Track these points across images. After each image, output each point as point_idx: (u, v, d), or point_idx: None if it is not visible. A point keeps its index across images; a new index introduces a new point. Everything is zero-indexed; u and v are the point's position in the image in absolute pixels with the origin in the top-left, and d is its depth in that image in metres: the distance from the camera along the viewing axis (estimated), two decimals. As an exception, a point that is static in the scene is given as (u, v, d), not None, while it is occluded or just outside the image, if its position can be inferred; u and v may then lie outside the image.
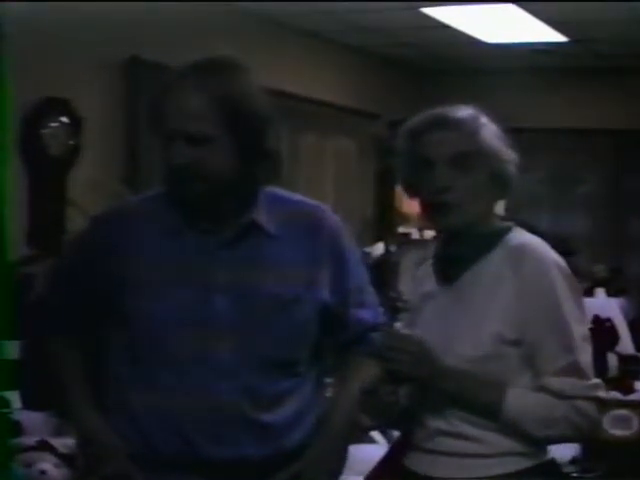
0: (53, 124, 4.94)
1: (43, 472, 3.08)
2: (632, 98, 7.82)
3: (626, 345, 5.11)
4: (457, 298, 2.26)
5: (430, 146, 2.26)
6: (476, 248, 2.27)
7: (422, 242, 7.73)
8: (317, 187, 6.90)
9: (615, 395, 4.24)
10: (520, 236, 2.29)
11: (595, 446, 3.92)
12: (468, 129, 2.24)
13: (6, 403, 3.05)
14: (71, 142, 5.02)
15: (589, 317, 4.20)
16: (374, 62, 7.77)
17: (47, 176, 4.92)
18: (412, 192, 2.34)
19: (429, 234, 7.66)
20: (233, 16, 6.04)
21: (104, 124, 5.25)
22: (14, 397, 3.42)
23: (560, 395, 2.15)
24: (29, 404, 3.52)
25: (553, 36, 6.83)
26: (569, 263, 2.28)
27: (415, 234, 7.73)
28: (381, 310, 2.44)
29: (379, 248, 6.59)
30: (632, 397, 4.38)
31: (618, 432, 4.07)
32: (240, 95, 2.20)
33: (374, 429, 3.58)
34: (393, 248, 6.87)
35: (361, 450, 2.92)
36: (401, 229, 7.68)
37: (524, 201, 6.98)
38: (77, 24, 4.91)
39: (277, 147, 2.29)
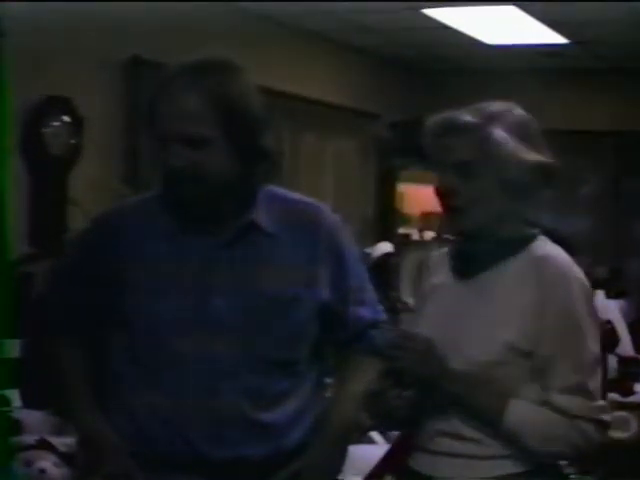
0: (54, 123, 4.95)
1: (43, 471, 3.08)
2: (632, 99, 7.82)
3: (626, 347, 5.12)
4: (472, 295, 2.23)
5: (438, 151, 2.24)
6: (495, 251, 2.23)
7: (422, 243, 7.74)
8: (317, 187, 6.90)
9: (614, 397, 4.25)
10: (546, 246, 2.24)
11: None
12: (476, 135, 2.19)
13: (6, 401, 3.06)
14: (72, 141, 5.03)
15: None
16: (374, 62, 7.78)
17: (48, 175, 4.93)
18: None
19: (429, 235, 7.68)
20: (233, 16, 6.04)
21: (105, 123, 5.26)
22: (14, 396, 3.42)
23: (564, 414, 2.13)
24: (29, 403, 3.52)
25: (553, 37, 6.84)
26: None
27: (415, 235, 7.74)
28: (381, 308, 2.44)
29: (380, 248, 6.58)
30: (631, 399, 4.39)
31: (617, 434, 4.07)
32: (237, 95, 2.18)
33: (373, 429, 3.58)
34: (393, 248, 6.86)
35: (360, 450, 2.92)
36: (401, 230, 7.69)
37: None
38: (78, 24, 4.91)
39: (275, 147, 2.28)
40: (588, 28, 6.57)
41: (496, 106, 2.25)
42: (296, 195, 2.36)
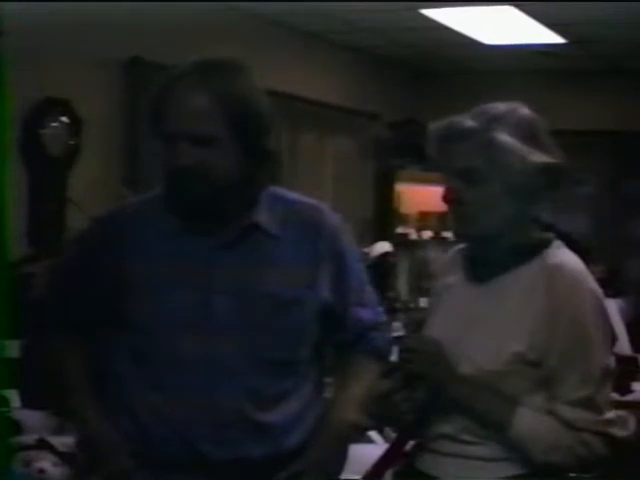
0: (53, 124, 4.95)
1: (42, 471, 3.08)
2: (630, 99, 7.83)
3: (623, 346, 5.13)
4: (484, 300, 2.21)
5: (443, 157, 2.21)
6: (508, 257, 2.20)
7: (420, 242, 7.75)
8: (316, 187, 6.90)
9: (612, 396, 4.25)
10: (560, 253, 2.21)
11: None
12: (479, 140, 2.15)
13: (5, 402, 3.05)
14: (71, 142, 5.04)
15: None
16: (374, 63, 7.79)
17: (47, 176, 4.94)
18: None
19: (427, 234, 7.69)
20: (233, 17, 6.05)
21: (104, 124, 5.26)
22: (14, 396, 3.42)
23: (570, 426, 2.11)
24: (28, 403, 3.52)
25: (551, 38, 6.84)
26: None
27: (413, 234, 7.75)
28: (381, 309, 2.44)
29: (379, 248, 6.59)
30: (629, 397, 4.40)
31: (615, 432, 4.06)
32: (244, 95, 2.18)
33: (372, 429, 3.58)
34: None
35: (359, 450, 2.92)
36: (399, 229, 7.69)
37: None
38: (78, 24, 4.91)
39: (277, 148, 2.28)
40: (586, 28, 6.58)
41: (500, 108, 2.20)
42: (298, 196, 2.36)
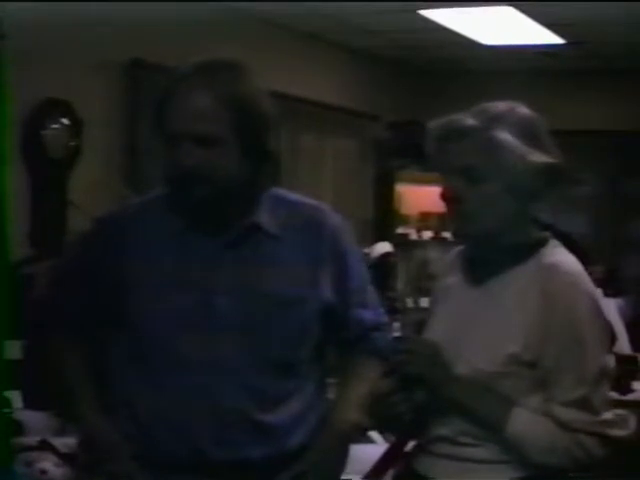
0: (54, 125, 4.96)
1: (44, 471, 3.08)
2: (630, 99, 7.83)
3: (623, 345, 5.13)
4: (481, 302, 2.21)
5: (442, 156, 2.20)
6: (505, 257, 2.19)
7: (420, 243, 7.76)
8: (316, 188, 6.91)
9: (612, 395, 4.25)
10: (556, 253, 2.20)
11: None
12: (479, 139, 2.15)
13: (7, 403, 3.06)
14: (72, 143, 5.04)
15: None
16: (373, 64, 7.79)
17: (48, 177, 4.94)
18: None
19: (427, 235, 7.70)
20: (233, 18, 6.05)
21: (105, 125, 5.27)
22: (15, 397, 3.43)
23: (565, 427, 2.10)
24: (30, 404, 3.53)
25: (550, 38, 6.84)
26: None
27: (413, 235, 7.75)
28: (382, 310, 2.44)
29: (379, 248, 6.59)
30: (630, 397, 4.40)
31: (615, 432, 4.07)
32: (248, 96, 2.18)
33: (372, 429, 3.58)
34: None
35: (359, 450, 2.93)
36: (400, 230, 7.70)
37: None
38: (78, 25, 4.92)
39: (278, 148, 2.29)
40: (585, 28, 6.58)
41: (499, 107, 2.19)
42: (299, 197, 2.36)
